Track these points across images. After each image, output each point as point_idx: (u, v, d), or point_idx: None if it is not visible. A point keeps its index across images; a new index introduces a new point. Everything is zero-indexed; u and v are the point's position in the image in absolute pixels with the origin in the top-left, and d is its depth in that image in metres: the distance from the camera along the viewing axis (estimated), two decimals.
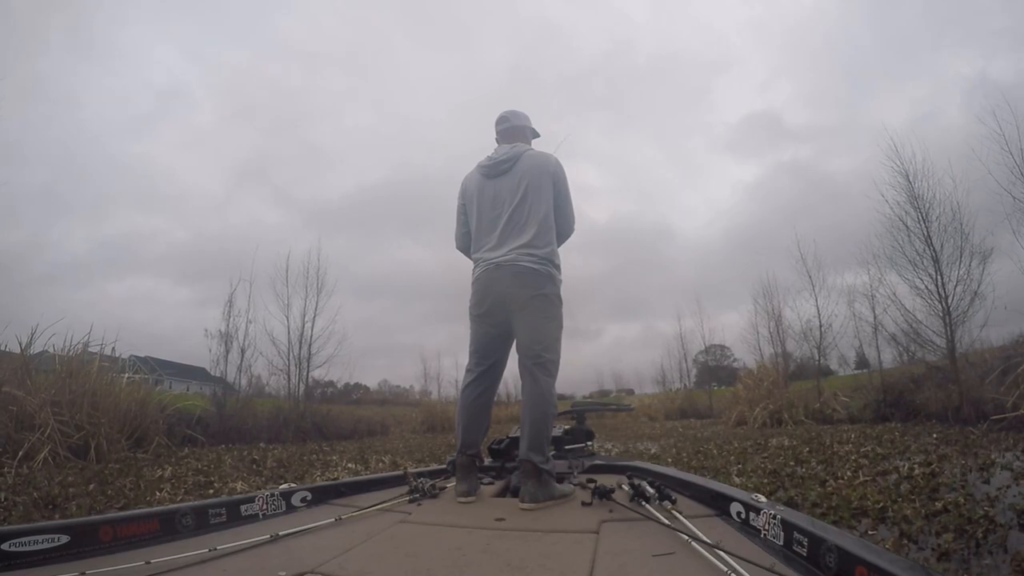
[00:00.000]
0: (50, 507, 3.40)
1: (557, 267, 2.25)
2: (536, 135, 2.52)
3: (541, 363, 2.11)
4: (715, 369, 24.67)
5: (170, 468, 5.34)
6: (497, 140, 2.45)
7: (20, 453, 5.32)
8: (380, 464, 6.10)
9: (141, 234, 37.79)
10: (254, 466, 5.80)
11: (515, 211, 2.22)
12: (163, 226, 44.05)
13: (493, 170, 2.30)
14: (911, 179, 8.93)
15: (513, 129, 2.42)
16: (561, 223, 2.33)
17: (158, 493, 3.93)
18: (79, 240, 39.84)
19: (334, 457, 6.93)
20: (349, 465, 6.01)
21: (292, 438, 10.19)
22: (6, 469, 4.90)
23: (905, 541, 2.21)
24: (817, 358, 12.67)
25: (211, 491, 4.14)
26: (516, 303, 2.15)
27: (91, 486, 4.12)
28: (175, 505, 1.86)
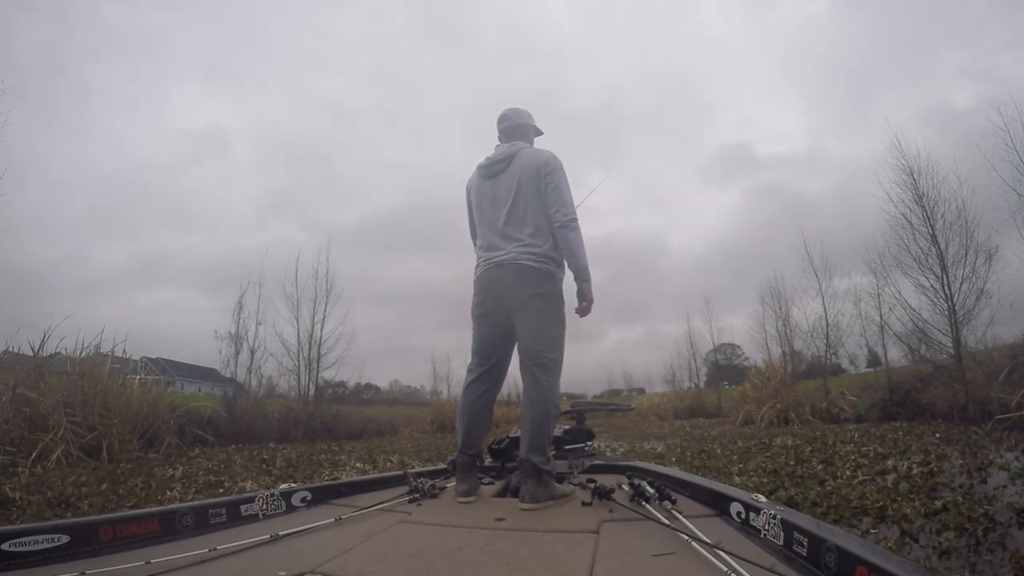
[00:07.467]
0: (63, 506, 3.46)
1: (559, 265, 2.23)
2: (539, 133, 2.50)
3: (542, 363, 2.10)
4: (726, 368, 24.55)
5: (181, 468, 5.40)
6: (499, 139, 2.44)
7: (34, 453, 5.39)
8: (388, 463, 6.14)
9: (172, 252, 39.80)
10: (264, 466, 5.86)
11: (511, 210, 2.22)
12: (193, 245, 46.21)
13: (489, 170, 2.31)
14: (915, 176, 8.84)
15: (514, 127, 2.41)
16: (558, 211, 2.18)
17: (169, 492, 3.99)
18: (113, 257, 41.75)
19: (342, 457, 6.98)
20: (357, 464, 6.06)
21: (302, 438, 10.25)
22: (20, 469, 4.97)
23: (907, 540, 2.21)
24: (825, 357, 12.60)
25: (221, 490, 4.20)
26: (517, 302, 2.15)
27: (103, 486, 4.18)
28: (175, 505, 1.86)
